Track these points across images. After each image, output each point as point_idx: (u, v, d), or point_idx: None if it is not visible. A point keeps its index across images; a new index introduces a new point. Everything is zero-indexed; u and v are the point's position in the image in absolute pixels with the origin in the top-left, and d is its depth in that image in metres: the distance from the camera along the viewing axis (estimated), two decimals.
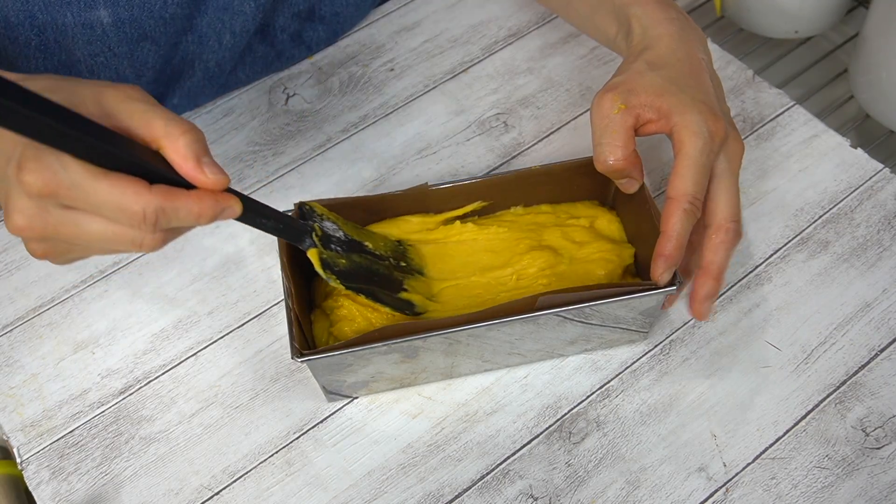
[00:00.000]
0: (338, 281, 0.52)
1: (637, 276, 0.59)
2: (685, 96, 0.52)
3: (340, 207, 0.57)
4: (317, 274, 0.59)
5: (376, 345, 0.51)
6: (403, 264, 0.57)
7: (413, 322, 0.52)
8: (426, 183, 0.59)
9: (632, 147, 0.53)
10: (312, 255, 0.51)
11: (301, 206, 0.55)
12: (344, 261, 0.53)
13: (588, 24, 0.64)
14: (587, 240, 0.59)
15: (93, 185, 0.39)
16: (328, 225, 0.54)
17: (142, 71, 0.67)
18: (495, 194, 0.60)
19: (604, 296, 0.52)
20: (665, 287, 0.52)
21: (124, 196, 0.39)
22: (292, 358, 0.51)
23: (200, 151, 0.42)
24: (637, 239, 0.59)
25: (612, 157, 0.53)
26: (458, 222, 0.60)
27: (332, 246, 0.53)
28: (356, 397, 0.58)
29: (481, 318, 0.51)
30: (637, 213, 0.58)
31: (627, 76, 0.54)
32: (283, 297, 0.62)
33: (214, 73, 0.71)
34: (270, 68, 0.75)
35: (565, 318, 0.53)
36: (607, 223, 0.60)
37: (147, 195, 0.40)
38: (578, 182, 0.60)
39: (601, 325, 0.55)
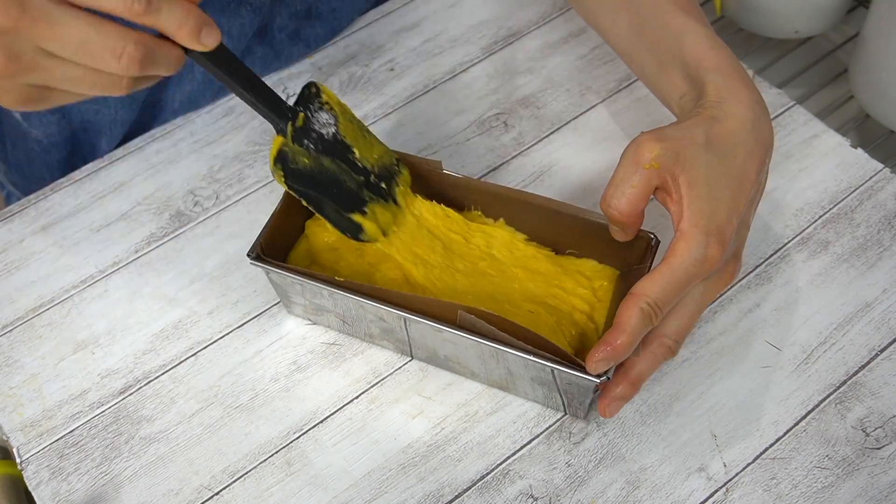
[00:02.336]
0: (283, 178, 0.50)
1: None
2: (707, 206, 0.49)
3: None
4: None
5: (316, 283, 0.53)
6: (383, 185, 0.54)
7: (358, 284, 0.53)
8: (440, 161, 0.58)
9: (642, 207, 0.50)
10: (275, 142, 0.50)
11: (307, 88, 0.52)
12: (307, 161, 0.51)
13: (652, 79, 0.58)
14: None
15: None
16: (323, 116, 0.51)
17: None
18: (505, 208, 0.59)
19: (513, 343, 0.50)
20: (586, 374, 0.49)
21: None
22: (247, 254, 0.54)
23: None
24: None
25: (618, 209, 0.50)
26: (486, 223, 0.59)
27: (306, 142, 0.51)
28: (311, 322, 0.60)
29: (390, 299, 0.52)
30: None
31: (682, 139, 0.50)
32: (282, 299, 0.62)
33: (212, 78, 0.71)
34: (270, 68, 0.75)
35: (481, 344, 0.52)
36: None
37: None
38: (593, 241, 0.58)
39: (520, 378, 0.54)
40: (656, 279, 0.48)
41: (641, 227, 0.53)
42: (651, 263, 0.54)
